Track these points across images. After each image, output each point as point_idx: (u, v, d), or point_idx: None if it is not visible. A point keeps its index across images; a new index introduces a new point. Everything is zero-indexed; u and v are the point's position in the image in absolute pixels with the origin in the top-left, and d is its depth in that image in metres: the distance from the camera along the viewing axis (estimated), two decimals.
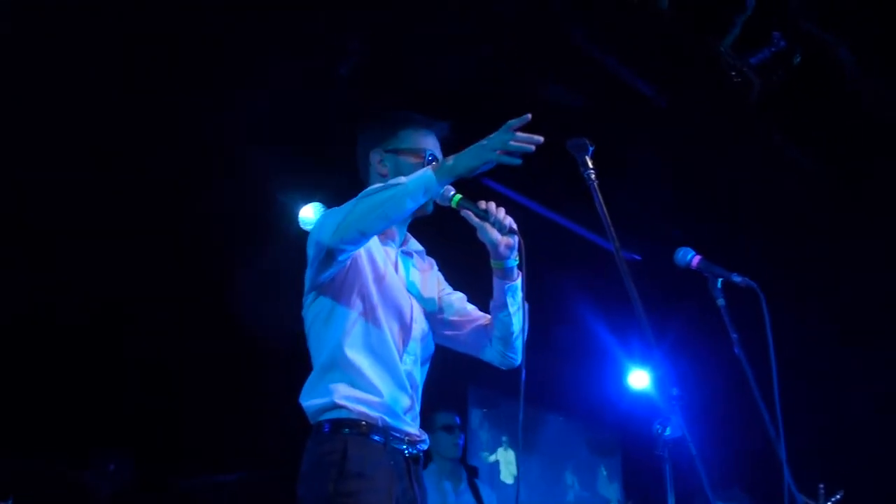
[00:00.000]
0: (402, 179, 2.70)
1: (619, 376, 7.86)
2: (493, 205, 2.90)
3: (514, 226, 2.88)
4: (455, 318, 3.11)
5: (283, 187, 6.07)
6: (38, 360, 5.63)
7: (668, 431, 2.48)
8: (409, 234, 3.16)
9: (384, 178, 2.98)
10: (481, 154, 2.63)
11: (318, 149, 5.60)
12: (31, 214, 5.30)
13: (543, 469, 8.44)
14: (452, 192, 2.90)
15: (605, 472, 9.00)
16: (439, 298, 3.12)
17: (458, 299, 3.16)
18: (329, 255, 2.71)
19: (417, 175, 2.68)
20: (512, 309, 2.97)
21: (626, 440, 8.80)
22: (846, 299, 5.85)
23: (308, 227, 6.10)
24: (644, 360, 7.59)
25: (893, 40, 3.95)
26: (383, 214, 2.66)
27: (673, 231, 4.63)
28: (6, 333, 5.43)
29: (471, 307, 3.16)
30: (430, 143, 3.07)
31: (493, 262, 2.98)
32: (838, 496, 4.77)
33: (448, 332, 3.12)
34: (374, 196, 2.69)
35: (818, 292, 5.82)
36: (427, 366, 3.05)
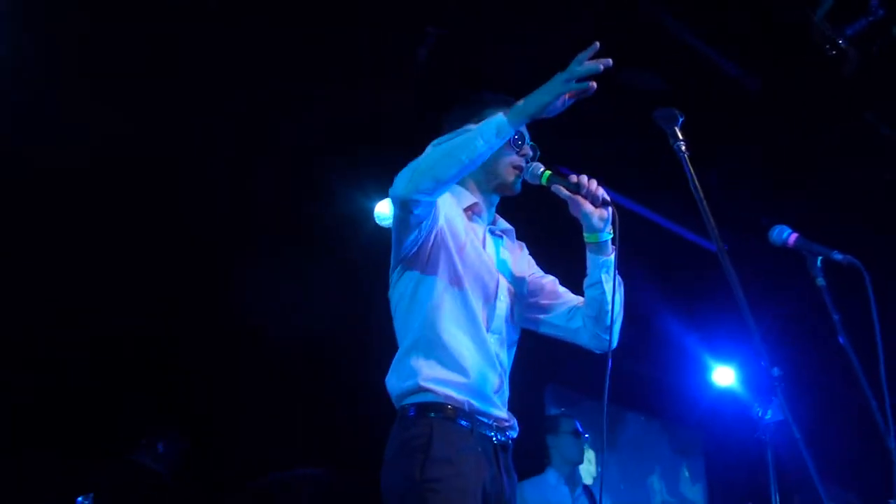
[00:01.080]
0: (472, 127, 2.64)
1: (702, 373, 7.70)
2: (584, 177, 2.82)
3: (608, 197, 2.80)
4: (546, 301, 3.03)
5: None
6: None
7: (769, 414, 2.32)
8: (497, 215, 3.08)
9: None
10: (552, 88, 2.56)
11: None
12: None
13: (625, 470, 8.27)
14: (542, 169, 2.86)
15: (687, 474, 8.81)
16: (530, 281, 3.03)
17: (549, 282, 3.07)
18: (405, 208, 2.64)
19: (489, 119, 2.61)
20: (606, 285, 2.86)
21: (708, 439, 8.61)
22: None
23: (384, 223, 6.10)
24: (730, 355, 7.42)
25: None
26: (457, 159, 2.58)
27: (763, 218, 4.43)
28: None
29: (562, 289, 3.07)
30: (523, 128, 2.95)
31: (586, 236, 2.88)
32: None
33: (540, 316, 3.03)
34: (446, 143, 2.63)
35: None
36: (514, 350, 2.95)
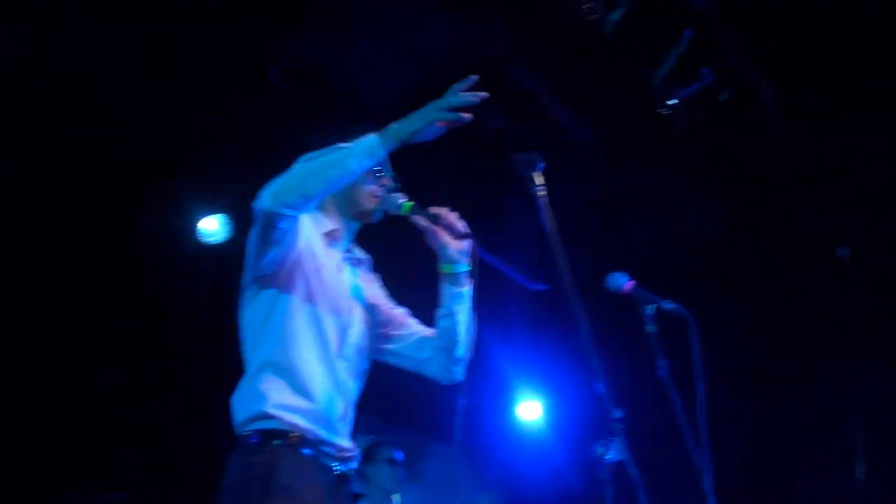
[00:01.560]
0: (343, 146, 2.63)
1: (508, 406, 7.84)
2: (444, 209, 2.86)
3: (467, 229, 2.85)
4: (396, 332, 3.03)
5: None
6: None
7: (609, 454, 2.43)
8: (354, 244, 3.07)
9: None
10: (425, 115, 2.59)
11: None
12: None
13: (427, 501, 8.32)
14: (402, 200, 2.87)
15: None
16: (382, 311, 3.03)
17: (399, 313, 3.08)
18: (268, 223, 2.59)
19: (362, 139, 2.61)
20: (459, 317, 2.91)
21: (509, 473, 8.78)
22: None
23: (208, 240, 5.99)
24: (536, 390, 7.61)
25: (817, 87, 4.11)
26: (326, 177, 2.58)
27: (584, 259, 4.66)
28: None
29: (413, 320, 3.08)
30: None
31: (442, 267, 2.92)
32: None
33: (389, 346, 3.04)
34: (316, 160, 2.61)
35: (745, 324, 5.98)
36: (362, 381, 2.94)
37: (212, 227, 6.07)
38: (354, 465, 2.83)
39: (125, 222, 5.65)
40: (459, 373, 2.99)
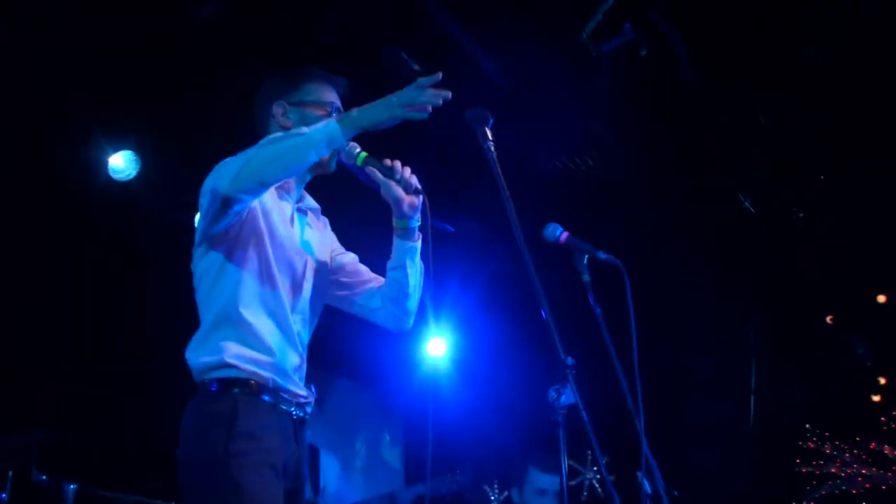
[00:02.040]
0: (305, 129, 2.66)
1: (414, 342, 8.01)
2: (398, 163, 2.90)
3: (419, 186, 2.90)
4: (347, 279, 3.11)
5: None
6: None
7: (562, 398, 2.59)
8: (305, 192, 3.11)
9: (286, 129, 2.93)
10: (389, 109, 2.62)
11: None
12: None
13: (330, 434, 8.47)
14: (358, 150, 2.89)
15: (388, 438, 9.16)
16: (332, 258, 3.10)
17: (350, 260, 3.15)
18: (224, 205, 2.64)
19: (321, 125, 2.64)
20: (410, 270, 3.00)
21: (408, 406, 8.97)
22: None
23: (118, 176, 5.88)
24: (440, 328, 7.78)
25: (728, 42, 4.32)
26: (284, 165, 2.63)
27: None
28: None
29: (363, 268, 3.16)
30: (334, 97, 3.04)
31: (395, 222, 2.99)
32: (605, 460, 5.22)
33: (339, 293, 3.12)
34: (275, 145, 2.64)
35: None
36: (314, 326, 3.02)
37: (119, 163, 5.96)
38: (310, 409, 2.93)
39: (36, 158, 5.51)
40: (408, 322, 3.10)
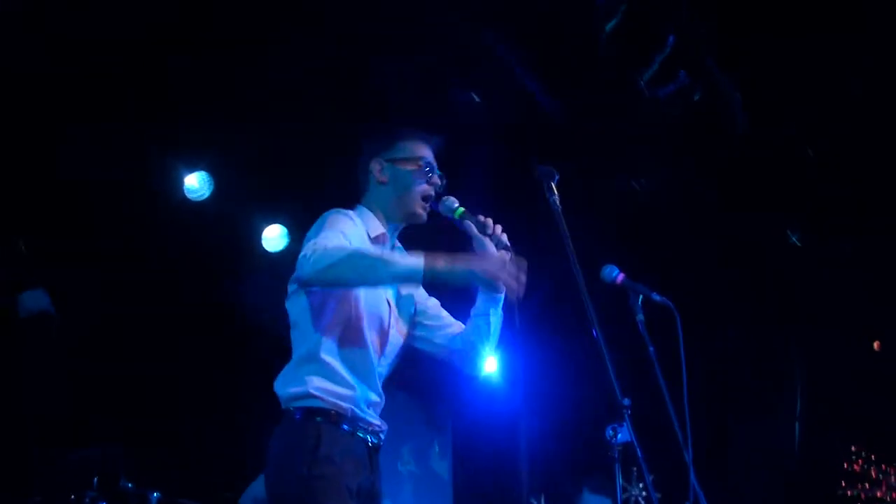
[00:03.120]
0: (397, 257, 2.88)
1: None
2: (490, 220, 3.14)
3: (508, 244, 3.12)
4: (429, 323, 3.32)
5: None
6: None
7: (619, 436, 2.81)
8: (398, 241, 3.32)
9: (383, 184, 3.20)
10: (471, 277, 2.82)
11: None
12: None
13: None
14: (457, 205, 3.15)
15: (437, 449, 9.34)
16: (418, 302, 3.32)
17: (433, 305, 3.36)
18: (307, 283, 2.93)
19: (409, 264, 2.79)
20: (492, 318, 3.23)
21: (459, 419, 9.14)
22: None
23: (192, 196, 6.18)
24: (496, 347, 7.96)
25: (780, 91, 4.52)
26: (364, 278, 2.83)
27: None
28: None
29: (444, 313, 3.37)
30: (427, 153, 3.25)
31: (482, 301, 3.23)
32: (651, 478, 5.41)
33: (420, 334, 3.33)
34: (364, 257, 2.83)
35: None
36: (396, 365, 3.25)
37: (195, 184, 6.26)
38: (384, 436, 3.17)
39: (114, 179, 5.81)
40: (480, 367, 3.35)
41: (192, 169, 6.19)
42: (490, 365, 8.03)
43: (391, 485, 8.35)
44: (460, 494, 8.85)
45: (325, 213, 3.05)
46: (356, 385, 3.02)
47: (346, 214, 3.08)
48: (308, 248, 2.84)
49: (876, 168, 5.38)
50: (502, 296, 3.23)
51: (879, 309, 6.89)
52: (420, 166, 3.19)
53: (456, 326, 3.35)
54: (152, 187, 6.03)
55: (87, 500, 4.56)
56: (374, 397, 3.09)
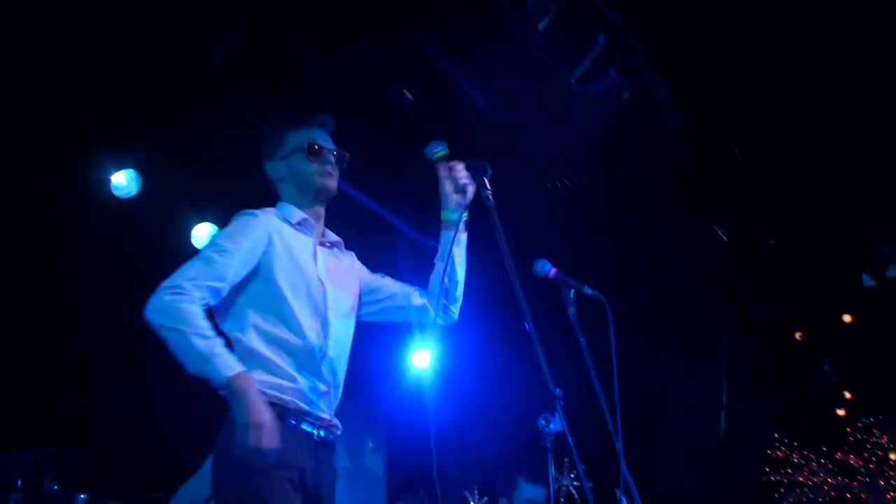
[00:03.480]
0: (217, 360, 2.78)
1: (400, 353, 8.24)
2: (461, 166, 3.26)
3: (467, 188, 3.24)
4: (384, 295, 3.36)
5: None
6: None
7: (551, 426, 2.86)
8: (325, 228, 3.35)
9: (284, 181, 3.29)
10: (240, 420, 2.76)
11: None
12: None
13: None
14: (439, 149, 3.27)
15: (371, 445, 9.35)
16: (365, 283, 3.36)
17: (383, 280, 3.41)
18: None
19: (220, 372, 2.77)
20: (457, 259, 3.31)
21: (391, 416, 9.16)
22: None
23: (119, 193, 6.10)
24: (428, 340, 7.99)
25: (710, 85, 4.63)
26: (181, 356, 2.78)
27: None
28: None
29: (395, 282, 3.42)
30: (317, 136, 3.32)
31: (443, 214, 3.31)
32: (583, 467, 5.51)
33: (378, 308, 3.37)
34: (192, 345, 2.78)
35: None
36: (348, 352, 3.23)
37: (122, 181, 6.17)
38: (338, 432, 3.16)
39: (38, 176, 5.71)
40: (454, 313, 3.40)
41: (119, 167, 6.10)
42: (422, 360, 8.10)
43: None
44: (393, 489, 8.87)
45: (233, 217, 3.11)
46: (297, 375, 3.01)
47: (253, 215, 3.10)
48: (170, 281, 2.87)
49: (804, 168, 5.55)
50: (462, 237, 3.32)
51: (802, 301, 7.11)
52: (306, 150, 3.26)
53: (411, 289, 3.40)
54: (80, 185, 5.91)
55: (10, 503, 4.47)
56: (321, 387, 3.07)
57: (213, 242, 3.04)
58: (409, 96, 4.93)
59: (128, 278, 6.17)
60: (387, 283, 3.42)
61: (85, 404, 5.76)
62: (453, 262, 3.32)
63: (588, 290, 3.47)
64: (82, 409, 5.72)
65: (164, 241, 6.38)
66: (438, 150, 3.26)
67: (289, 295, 3.05)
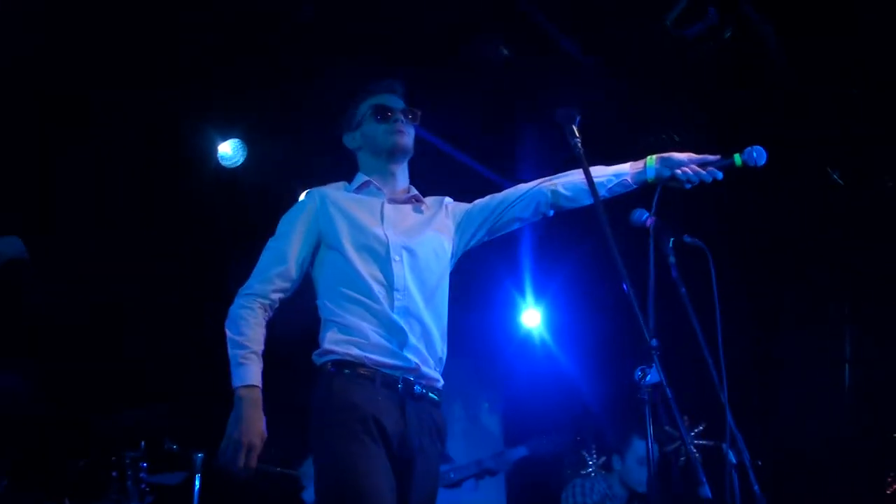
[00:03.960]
0: (241, 362, 3.06)
1: (511, 313, 8.25)
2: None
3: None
4: (496, 209, 3.44)
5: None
6: None
7: (647, 378, 2.77)
8: (405, 184, 3.47)
9: (361, 150, 3.45)
10: (229, 432, 2.96)
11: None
12: None
13: None
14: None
15: (486, 405, 9.39)
16: (466, 215, 3.47)
17: (482, 200, 3.50)
18: None
19: (236, 374, 3.06)
20: (603, 191, 3.34)
21: (507, 376, 9.17)
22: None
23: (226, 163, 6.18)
24: (537, 300, 8.01)
25: (814, 24, 4.38)
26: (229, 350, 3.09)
27: None
28: None
29: (500, 194, 3.48)
30: (388, 100, 3.41)
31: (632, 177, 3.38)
32: (700, 428, 5.36)
33: (500, 223, 3.46)
34: (233, 346, 3.10)
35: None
36: (438, 299, 3.28)
37: (228, 151, 6.26)
38: (438, 384, 3.24)
39: (148, 147, 5.85)
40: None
41: (225, 136, 6.19)
42: (533, 318, 8.09)
43: (452, 445, 8.42)
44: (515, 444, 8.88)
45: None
46: (369, 330, 3.09)
47: (298, 208, 3.31)
48: (245, 288, 3.22)
49: None
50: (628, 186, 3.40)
51: None
52: (375, 114, 3.37)
53: (522, 186, 3.45)
54: (186, 155, 6.03)
55: (127, 461, 4.64)
56: (399, 337, 3.11)
57: (266, 248, 3.28)
58: (505, 51, 4.82)
59: (240, 244, 6.31)
60: (487, 201, 3.48)
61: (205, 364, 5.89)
62: (604, 189, 3.34)
63: (687, 238, 3.38)
64: (203, 368, 5.86)
65: (272, 211, 6.44)
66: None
67: (351, 254, 3.16)
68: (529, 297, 8.03)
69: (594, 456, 6.30)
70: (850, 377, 6.51)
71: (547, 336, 8.19)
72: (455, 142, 6.14)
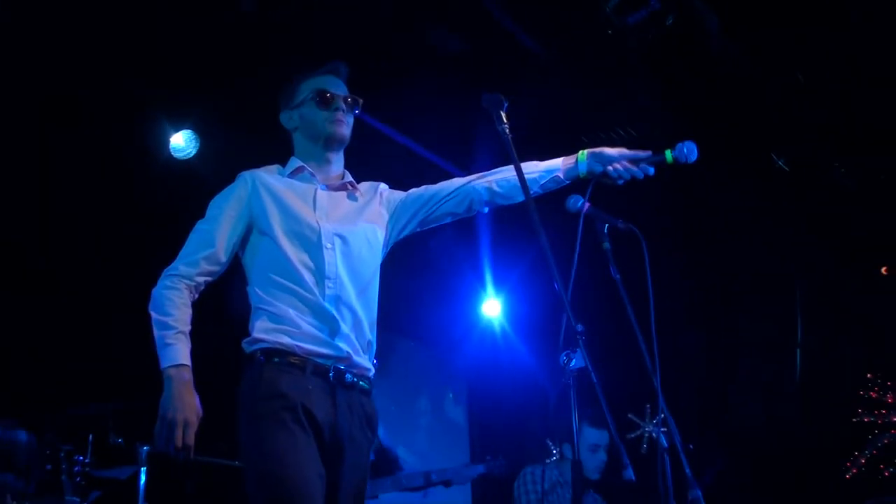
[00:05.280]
0: (170, 343, 3.01)
1: (472, 303, 8.27)
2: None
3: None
4: (429, 202, 3.41)
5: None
6: None
7: (572, 362, 2.78)
8: (345, 171, 3.43)
9: (297, 130, 3.39)
10: (162, 412, 2.92)
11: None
12: None
13: (395, 393, 8.72)
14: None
15: (451, 396, 9.39)
16: (401, 203, 3.43)
17: (417, 190, 3.46)
18: None
19: (164, 355, 3.01)
20: (535, 187, 3.32)
21: (471, 366, 9.19)
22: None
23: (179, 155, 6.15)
24: (497, 289, 8.04)
25: (759, 10, 4.40)
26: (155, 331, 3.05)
27: None
28: None
29: (432, 187, 3.45)
30: (329, 83, 3.36)
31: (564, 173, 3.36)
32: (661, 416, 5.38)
33: (432, 216, 3.43)
34: (159, 326, 3.06)
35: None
36: (369, 286, 3.26)
37: (181, 143, 6.22)
38: (369, 373, 3.21)
39: (99, 139, 5.80)
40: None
41: (177, 128, 6.15)
42: (492, 309, 8.12)
43: (407, 434, 8.43)
44: (476, 439, 8.90)
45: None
46: (300, 318, 3.07)
47: (229, 191, 3.27)
48: (169, 268, 3.16)
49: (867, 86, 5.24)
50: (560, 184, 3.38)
51: (884, 231, 6.77)
52: (317, 98, 3.31)
53: (457, 181, 3.43)
54: (139, 146, 5.99)
55: (62, 454, 4.62)
56: (331, 326, 3.10)
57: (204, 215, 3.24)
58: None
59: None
60: (422, 191, 3.45)
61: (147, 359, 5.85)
62: (537, 185, 3.33)
63: (621, 224, 3.39)
64: (145, 363, 5.82)
65: None
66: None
67: (282, 241, 3.13)
68: (490, 288, 8.06)
69: (558, 443, 6.32)
70: (801, 362, 6.56)
71: (507, 325, 8.24)
72: (410, 132, 6.13)
